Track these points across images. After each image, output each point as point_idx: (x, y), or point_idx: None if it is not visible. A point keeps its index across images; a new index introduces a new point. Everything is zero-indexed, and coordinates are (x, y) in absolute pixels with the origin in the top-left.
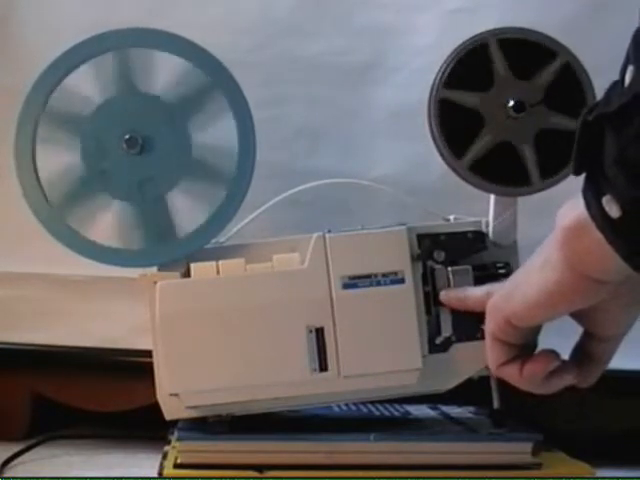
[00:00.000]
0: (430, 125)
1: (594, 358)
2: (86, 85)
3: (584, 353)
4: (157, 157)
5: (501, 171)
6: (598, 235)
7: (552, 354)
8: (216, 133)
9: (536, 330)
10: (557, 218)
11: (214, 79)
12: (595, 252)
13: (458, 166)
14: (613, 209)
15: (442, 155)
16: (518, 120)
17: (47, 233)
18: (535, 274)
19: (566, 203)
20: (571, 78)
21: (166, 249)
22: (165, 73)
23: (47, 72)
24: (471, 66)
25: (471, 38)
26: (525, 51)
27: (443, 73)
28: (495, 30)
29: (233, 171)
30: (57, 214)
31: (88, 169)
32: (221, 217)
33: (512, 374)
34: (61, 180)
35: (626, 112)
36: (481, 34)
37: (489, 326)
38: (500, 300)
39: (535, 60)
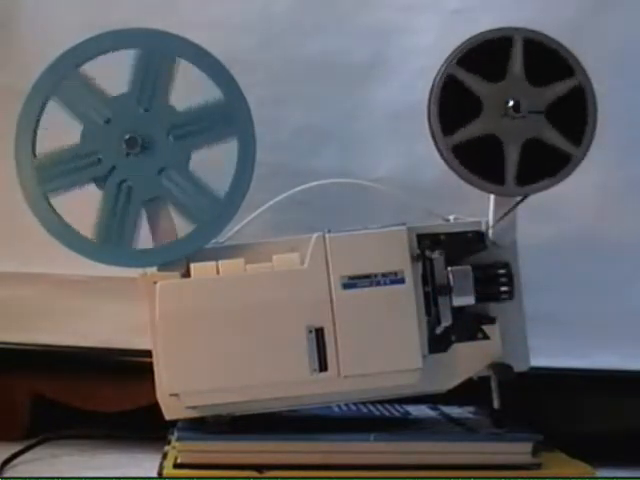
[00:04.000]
0: (430, 97)
1: None
2: (108, 74)
3: None
4: (151, 162)
5: (481, 163)
6: None
7: None
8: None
9: None
10: None
11: (236, 120)
12: None
13: (442, 143)
14: None
15: (431, 128)
16: (514, 121)
17: (47, 234)
18: None
19: None
20: (579, 101)
21: (166, 249)
22: (184, 84)
23: (88, 42)
24: (488, 54)
25: (498, 28)
26: (545, 59)
27: (460, 50)
28: (524, 29)
29: (208, 215)
30: (35, 180)
31: (84, 147)
32: (221, 217)
33: None
34: (54, 150)
35: None
36: (509, 28)
37: None
38: None
39: (552, 71)
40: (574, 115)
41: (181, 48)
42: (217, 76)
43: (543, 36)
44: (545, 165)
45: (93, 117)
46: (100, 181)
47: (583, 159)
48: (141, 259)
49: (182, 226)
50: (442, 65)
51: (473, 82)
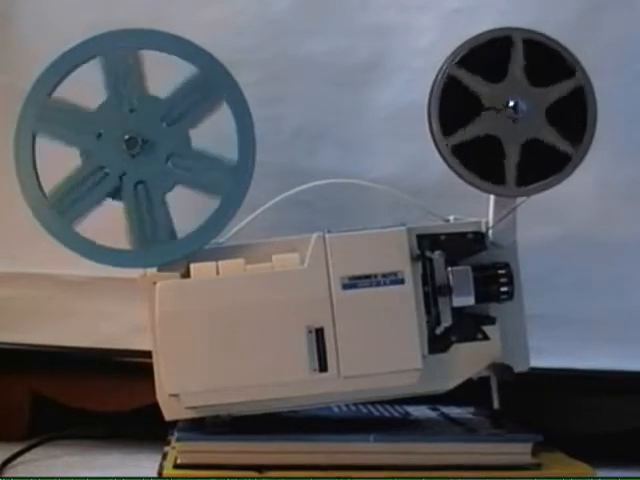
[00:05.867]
0: (430, 97)
1: None
2: (91, 83)
3: None
4: (156, 158)
5: (481, 164)
6: None
7: None
8: (217, 127)
9: None
10: None
11: (218, 85)
12: None
13: (442, 144)
14: None
15: (431, 129)
16: (515, 121)
17: (47, 233)
18: None
19: None
20: (579, 102)
21: (166, 249)
22: (172, 76)
23: (50, 68)
24: (489, 54)
25: (498, 28)
26: (546, 60)
27: (460, 51)
28: (524, 29)
29: (228, 183)
30: (55, 212)
31: (87, 167)
32: (220, 217)
33: None
34: (60, 178)
35: None
36: (509, 28)
37: None
38: None
39: (552, 72)
40: (574, 116)
41: (136, 39)
42: (183, 51)
43: (543, 36)
44: (545, 166)
45: (84, 138)
46: (115, 193)
47: (582, 160)
48: (141, 259)
49: (183, 225)
50: (442, 66)
51: (473, 83)
